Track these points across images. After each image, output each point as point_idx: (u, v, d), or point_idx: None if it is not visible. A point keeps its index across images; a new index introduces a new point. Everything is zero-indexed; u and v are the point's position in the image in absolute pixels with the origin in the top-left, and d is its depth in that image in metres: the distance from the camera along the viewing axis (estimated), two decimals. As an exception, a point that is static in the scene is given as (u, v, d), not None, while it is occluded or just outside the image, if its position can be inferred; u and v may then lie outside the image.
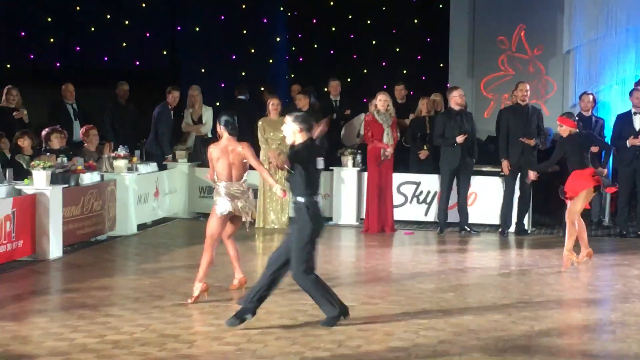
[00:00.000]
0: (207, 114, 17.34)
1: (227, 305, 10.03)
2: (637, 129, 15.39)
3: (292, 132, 9.07)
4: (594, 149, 15.35)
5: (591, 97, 15.92)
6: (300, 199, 8.96)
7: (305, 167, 8.94)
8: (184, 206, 17.06)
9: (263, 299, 9.07)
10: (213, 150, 10.29)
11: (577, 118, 13.47)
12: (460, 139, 15.30)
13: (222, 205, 10.13)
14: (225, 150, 10.16)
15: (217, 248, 10.28)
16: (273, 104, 15.90)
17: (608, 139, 15.85)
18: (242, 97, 18.05)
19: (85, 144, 15.55)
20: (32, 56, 20.31)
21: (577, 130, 12.89)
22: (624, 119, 15.64)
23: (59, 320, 9.40)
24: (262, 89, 17.98)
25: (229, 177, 10.12)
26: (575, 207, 12.53)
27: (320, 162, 9.17)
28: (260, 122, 15.80)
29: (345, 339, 8.70)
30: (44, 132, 14.97)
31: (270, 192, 15.74)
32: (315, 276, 9.05)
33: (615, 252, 14.23)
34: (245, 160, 10.33)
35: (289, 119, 9.09)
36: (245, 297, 9.16)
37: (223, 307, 9.95)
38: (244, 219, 10.46)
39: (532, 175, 13.69)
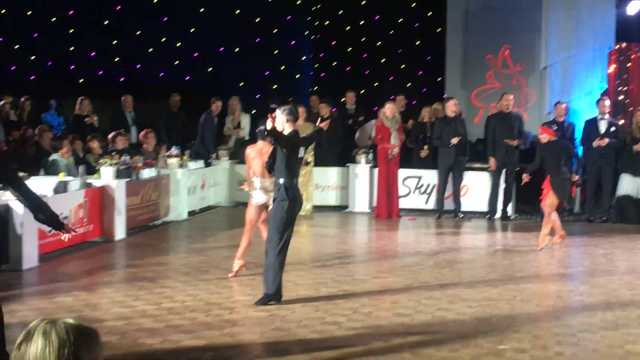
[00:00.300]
0: (245, 120, 17.38)
1: (260, 280, 10.05)
2: (602, 132, 15.36)
3: (281, 122, 8.83)
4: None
5: (564, 105, 15.87)
6: (281, 180, 8.78)
7: (289, 153, 8.74)
8: (225, 196, 17.08)
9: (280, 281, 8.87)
10: (250, 151, 10.28)
11: (556, 127, 13.41)
12: (454, 140, 15.32)
13: (257, 197, 10.13)
14: (260, 151, 10.15)
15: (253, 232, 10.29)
16: (300, 111, 15.88)
17: (578, 141, 15.82)
18: (274, 105, 18.04)
19: (144, 145, 15.60)
20: (100, 72, 20.38)
21: (556, 138, 12.84)
22: (591, 124, 15.61)
23: (123, 291, 9.46)
24: (290, 99, 17.95)
25: (263, 174, 10.12)
26: (549, 202, 12.50)
27: (301, 151, 8.97)
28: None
29: (359, 307, 8.72)
30: (110, 135, 15.03)
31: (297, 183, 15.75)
32: (283, 255, 8.81)
33: (583, 234, 14.18)
34: None
35: (278, 111, 8.93)
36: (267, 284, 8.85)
37: (258, 280, 9.97)
38: None
39: (525, 177, 13.52)
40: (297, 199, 8.91)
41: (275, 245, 8.73)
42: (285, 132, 8.83)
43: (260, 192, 10.14)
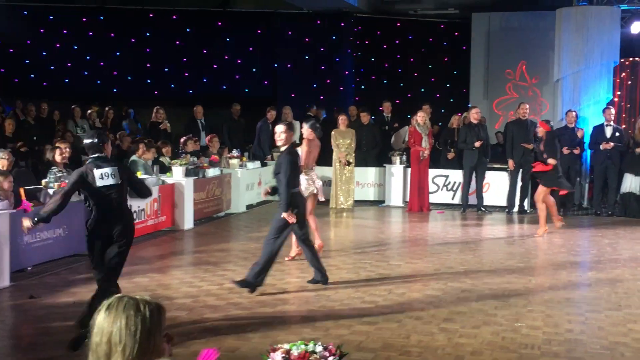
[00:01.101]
0: (296, 127, 17.37)
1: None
2: (608, 137, 15.17)
3: (284, 137, 8.41)
4: (574, 150, 15.16)
5: (574, 113, 15.67)
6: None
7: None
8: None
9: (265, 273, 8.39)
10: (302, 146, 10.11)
11: (552, 124, 13.42)
12: (477, 144, 15.20)
13: (304, 188, 9.80)
14: (310, 143, 10.07)
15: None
16: (342, 119, 15.88)
17: (587, 145, 15.63)
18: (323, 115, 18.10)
19: (210, 148, 15.69)
20: (172, 85, 20.56)
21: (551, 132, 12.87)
22: (598, 130, 15.43)
23: (191, 273, 9.54)
24: (335, 108, 17.95)
25: (307, 167, 9.98)
26: (538, 191, 12.45)
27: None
28: (333, 132, 15.78)
29: (394, 288, 8.69)
30: (182, 139, 15.14)
31: (341, 181, 15.76)
32: (276, 251, 8.34)
33: (591, 227, 13.98)
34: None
35: (304, 124, 8.63)
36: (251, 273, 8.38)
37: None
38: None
39: (551, 161, 12.86)
40: (297, 205, 8.46)
41: (271, 244, 8.34)
42: (284, 145, 8.45)
43: (305, 183, 9.92)
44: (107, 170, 6.79)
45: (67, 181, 7.99)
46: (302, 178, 9.79)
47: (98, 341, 2.48)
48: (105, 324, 2.48)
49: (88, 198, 6.83)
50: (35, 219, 6.80)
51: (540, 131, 12.83)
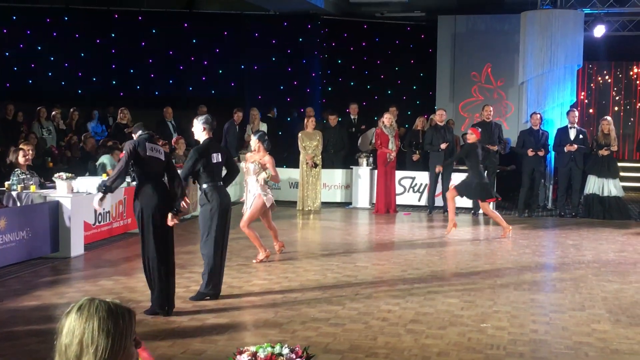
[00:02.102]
0: (263, 128, 17.32)
1: (277, 266, 10.05)
2: (572, 139, 15.33)
3: (198, 130, 8.42)
4: (539, 152, 15.30)
5: (539, 115, 15.81)
6: (204, 186, 8.29)
7: (206, 160, 8.21)
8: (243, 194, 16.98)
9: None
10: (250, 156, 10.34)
11: (481, 130, 13.70)
12: (443, 146, 15.30)
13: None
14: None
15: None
16: (311, 121, 15.89)
17: (551, 147, 15.78)
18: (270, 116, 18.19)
19: (176, 149, 15.60)
20: (138, 87, 20.41)
21: (479, 140, 13.17)
22: (562, 132, 15.58)
23: (157, 275, 9.44)
24: (304, 110, 17.99)
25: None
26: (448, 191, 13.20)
27: (216, 157, 8.29)
28: (300, 134, 15.78)
29: (360, 289, 8.70)
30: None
31: (308, 183, 15.75)
32: (216, 252, 8.17)
33: (555, 228, 14.13)
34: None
35: (196, 120, 8.49)
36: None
37: (275, 266, 9.98)
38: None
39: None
40: (219, 199, 8.23)
41: (209, 246, 8.24)
42: (202, 139, 8.40)
43: (262, 190, 10.17)
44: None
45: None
46: (257, 186, 10.08)
47: (68, 342, 2.44)
48: (77, 324, 2.44)
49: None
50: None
51: (471, 138, 12.97)
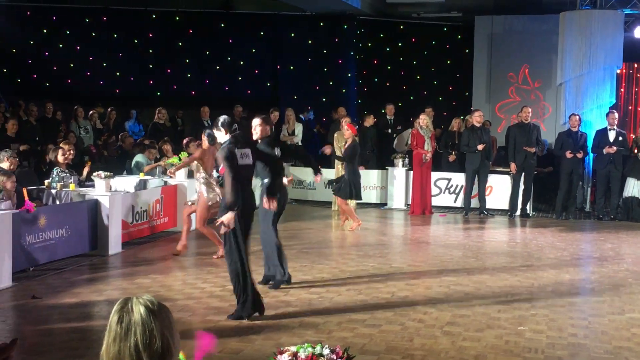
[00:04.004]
0: (298, 128, 17.33)
1: (313, 266, 10.06)
2: (611, 141, 15.15)
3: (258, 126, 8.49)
4: (577, 154, 15.14)
5: (577, 117, 15.64)
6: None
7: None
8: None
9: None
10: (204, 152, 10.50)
11: (357, 127, 13.86)
12: (480, 147, 15.21)
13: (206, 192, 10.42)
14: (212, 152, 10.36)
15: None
16: (345, 121, 15.84)
17: (589, 148, 15.61)
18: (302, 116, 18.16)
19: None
20: (175, 86, 20.55)
21: (356, 136, 13.48)
22: (602, 133, 15.40)
23: (193, 274, 9.54)
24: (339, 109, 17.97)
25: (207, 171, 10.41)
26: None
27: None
28: (335, 134, 15.76)
29: (397, 291, 8.68)
30: (184, 141, 15.08)
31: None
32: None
33: (593, 230, 13.98)
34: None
35: (256, 120, 8.55)
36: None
37: (310, 267, 9.99)
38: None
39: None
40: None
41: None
42: (259, 138, 8.50)
43: (205, 189, 10.36)
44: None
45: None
46: (202, 185, 10.30)
47: (147, 341, 2.43)
48: (149, 321, 2.44)
49: None
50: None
51: (348, 135, 13.11)
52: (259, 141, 8.47)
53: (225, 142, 7.45)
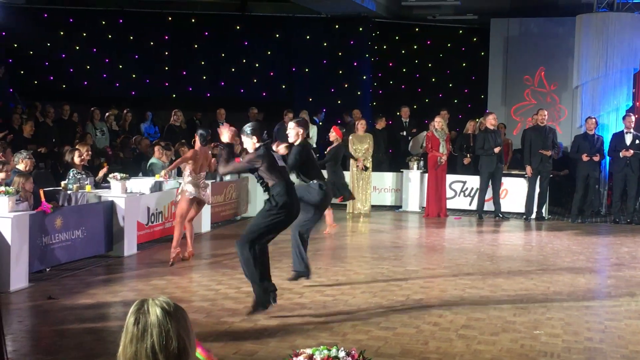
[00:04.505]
0: (312, 130, 17.33)
1: (328, 268, 10.05)
2: (628, 144, 15.08)
3: (295, 134, 8.70)
4: (594, 157, 15.06)
5: (594, 120, 15.58)
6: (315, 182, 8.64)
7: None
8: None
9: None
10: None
11: (344, 130, 13.88)
12: (497, 150, 15.18)
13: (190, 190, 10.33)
14: (203, 153, 10.46)
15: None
16: (361, 124, 15.88)
17: (606, 152, 15.54)
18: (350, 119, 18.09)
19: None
20: (190, 88, 20.61)
21: (342, 141, 13.57)
22: (618, 137, 15.34)
23: (208, 276, 9.55)
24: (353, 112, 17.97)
25: (196, 171, 10.36)
26: None
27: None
28: (350, 137, 15.78)
29: (411, 294, 8.66)
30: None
31: (358, 186, 15.72)
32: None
33: (610, 234, 13.91)
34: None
35: (292, 123, 8.79)
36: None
37: (324, 269, 9.98)
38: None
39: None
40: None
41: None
42: (295, 141, 8.70)
43: (192, 188, 10.26)
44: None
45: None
46: (190, 184, 10.22)
47: (164, 342, 2.45)
48: (165, 322, 2.47)
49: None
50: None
51: (333, 137, 13.22)
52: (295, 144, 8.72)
53: (260, 147, 7.43)
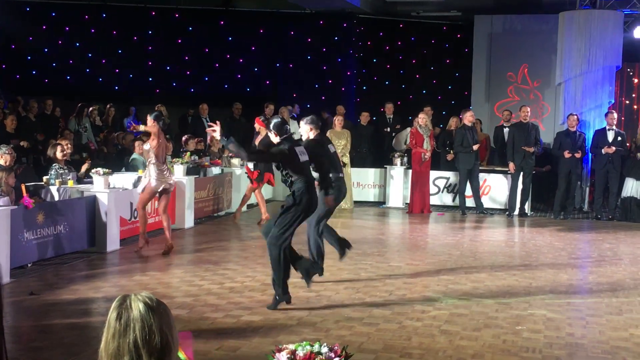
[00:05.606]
0: (294, 126, 17.18)
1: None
2: (610, 141, 15.15)
3: (305, 131, 8.78)
4: (576, 154, 15.14)
5: (576, 117, 15.64)
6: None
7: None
8: (277, 191, 17.04)
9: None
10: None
11: (266, 121, 14.06)
12: (475, 147, 15.25)
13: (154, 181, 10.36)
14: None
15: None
16: (339, 120, 15.84)
17: (588, 148, 15.64)
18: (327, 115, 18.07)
19: (212, 147, 15.69)
20: (174, 84, 20.54)
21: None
22: (600, 134, 15.41)
23: (191, 272, 9.51)
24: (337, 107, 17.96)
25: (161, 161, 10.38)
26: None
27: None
28: (328, 133, 15.73)
29: (394, 290, 8.68)
30: (183, 138, 15.12)
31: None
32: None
33: (591, 230, 13.99)
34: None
35: (302, 122, 8.87)
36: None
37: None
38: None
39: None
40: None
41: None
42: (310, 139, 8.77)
43: (155, 176, 10.27)
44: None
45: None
46: (153, 171, 10.20)
47: (146, 337, 2.44)
48: (148, 317, 2.45)
49: None
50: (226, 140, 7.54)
51: (258, 129, 13.38)
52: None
53: (282, 140, 7.61)
